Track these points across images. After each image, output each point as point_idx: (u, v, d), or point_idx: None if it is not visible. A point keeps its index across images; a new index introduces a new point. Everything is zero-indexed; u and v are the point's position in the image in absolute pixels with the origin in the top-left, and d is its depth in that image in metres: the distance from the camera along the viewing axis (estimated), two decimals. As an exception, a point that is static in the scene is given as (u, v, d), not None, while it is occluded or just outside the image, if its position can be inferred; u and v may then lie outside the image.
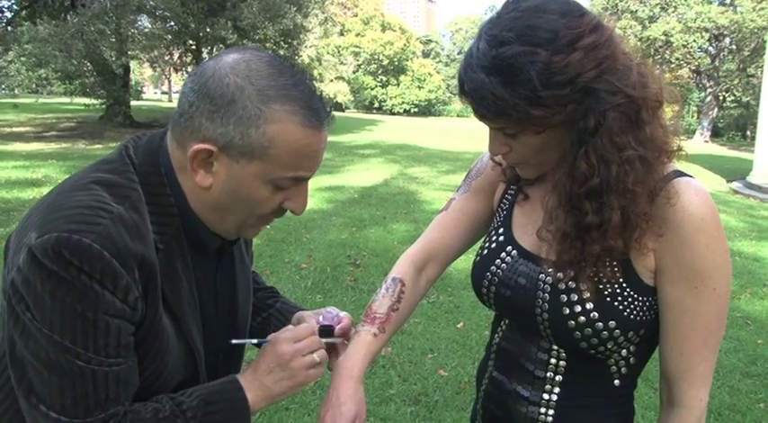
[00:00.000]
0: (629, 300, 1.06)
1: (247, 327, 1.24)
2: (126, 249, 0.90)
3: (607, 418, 1.16)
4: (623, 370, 1.13)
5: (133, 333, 0.94)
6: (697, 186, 1.03)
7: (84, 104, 18.80)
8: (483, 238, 1.28)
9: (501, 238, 1.22)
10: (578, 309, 1.06)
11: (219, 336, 1.14)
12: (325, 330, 1.16)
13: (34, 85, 24.52)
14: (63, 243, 0.86)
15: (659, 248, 1.04)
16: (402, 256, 1.35)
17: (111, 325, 0.90)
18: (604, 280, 1.05)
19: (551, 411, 1.14)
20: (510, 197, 1.26)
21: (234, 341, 1.14)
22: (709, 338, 1.05)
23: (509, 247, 1.19)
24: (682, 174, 1.05)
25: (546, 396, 1.15)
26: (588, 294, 1.06)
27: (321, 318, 1.21)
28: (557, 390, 1.14)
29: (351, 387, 1.13)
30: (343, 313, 1.23)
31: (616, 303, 1.05)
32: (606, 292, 1.05)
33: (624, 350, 1.11)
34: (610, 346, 1.07)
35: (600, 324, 1.05)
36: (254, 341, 1.13)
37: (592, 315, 1.05)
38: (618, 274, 1.06)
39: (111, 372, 0.92)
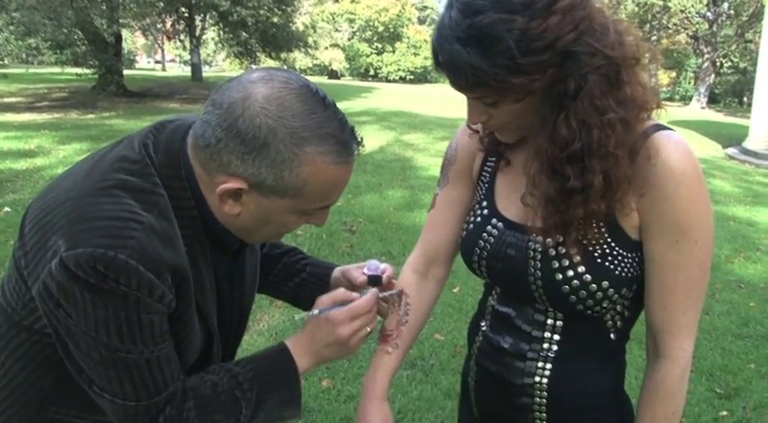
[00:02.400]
0: (619, 258, 1.06)
1: (252, 305, 1.29)
2: (160, 259, 0.91)
3: (604, 371, 1.18)
4: (619, 324, 1.15)
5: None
6: (677, 140, 1.02)
7: (76, 74, 18.51)
8: (467, 213, 1.27)
9: (485, 211, 1.21)
10: (571, 273, 1.06)
11: (231, 318, 1.20)
12: (374, 279, 1.27)
13: (24, 55, 24.22)
14: (98, 259, 0.86)
15: (642, 205, 1.04)
16: (405, 264, 1.38)
17: (153, 320, 0.93)
18: (593, 241, 1.06)
19: (549, 365, 1.15)
20: (490, 168, 1.25)
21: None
22: (692, 291, 1.06)
23: (494, 220, 1.19)
24: (660, 127, 1.04)
25: (543, 353, 1.16)
26: (579, 258, 1.06)
27: (366, 269, 1.29)
28: (555, 347, 1.15)
29: (375, 406, 1.26)
30: (383, 264, 1.30)
31: (607, 263, 1.06)
32: (596, 254, 1.06)
33: (619, 306, 1.12)
34: (605, 305, 1.08)
35: (594, 286, 1.05)
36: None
37: (584, 278, 1.05)
38: (605, 234, 1.06)
39: (162, 355, 0.96)
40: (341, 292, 1.16)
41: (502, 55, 0.93)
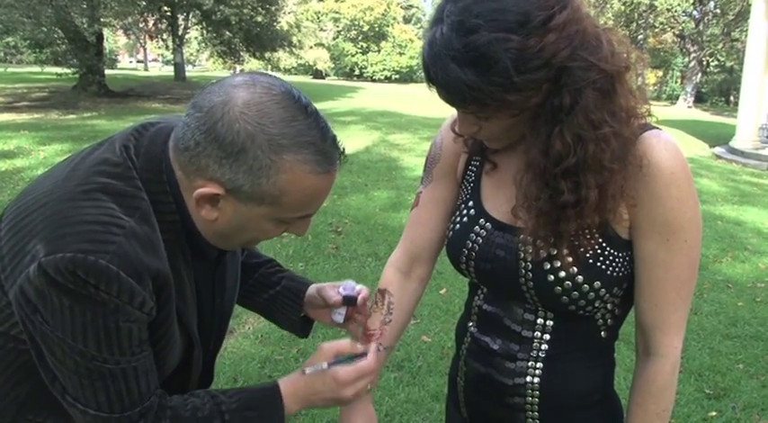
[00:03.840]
0: (611, 258, 1.06)
1: (232, 310, 1.27)
2: (141, 265, 0.89)
3: (594, 369, 1.18)
4: (609, 322, 1.15)
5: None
6: (666, 140, 1.02)
7: (56, 73, 18.25)
8: (453, 213, 1.26)
9: (472, 211, 1.19)
10: (563, 274, 1.05)
11: (212, 325, 1.18)
12: (349, 300, 1.27)
13: (3, 54, 23.96)
14: (78, 264, 0.84)
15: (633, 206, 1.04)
16: (387, 263, 1.37)
17: (132, 329, 0.91)
18: (585, 243, 1.05)
19: (540, 364, 1.15)
20: (475, 168, 1.23)
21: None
22: (681, 289, 1.06)
23: (482, 220, 1.17)
24: (648, 127, 1.04)
25: (534, 353, 1.15)
26: (570, 259, 1.05)
27: (342, 289, 1.27)
28: (545, 346, 1.14)
29: (359, 407, 1.25)
30: (359, 286, 1.29)
31: (599, 264, 1.05)
32: (588, 255, 1.05)
33: (609, 304, 1.12)
34: (597, 305, 1.09)
35: (586, 286, 1.05)
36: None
37: (577, 279, 1.05)
38: (597, 237, 1.05)
39: (139, 366, 0.94)
40: (346, 344, 1.14)
41: (498, 74, 0.92)
